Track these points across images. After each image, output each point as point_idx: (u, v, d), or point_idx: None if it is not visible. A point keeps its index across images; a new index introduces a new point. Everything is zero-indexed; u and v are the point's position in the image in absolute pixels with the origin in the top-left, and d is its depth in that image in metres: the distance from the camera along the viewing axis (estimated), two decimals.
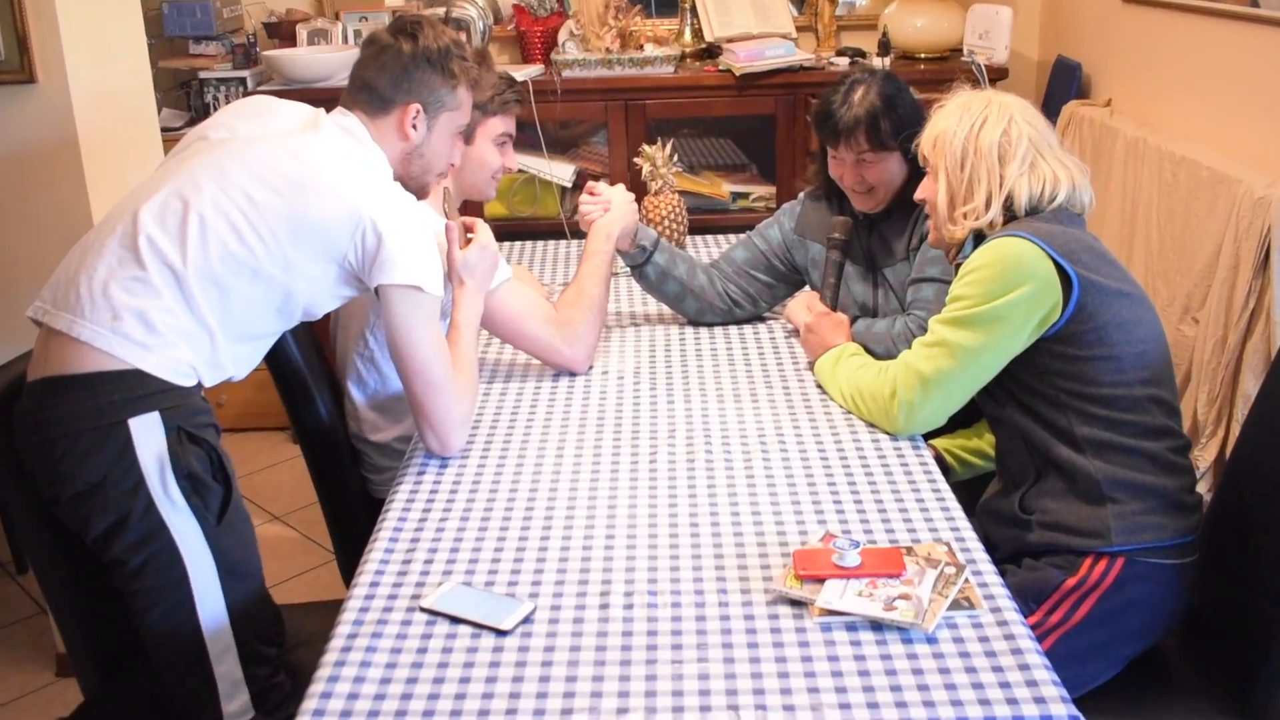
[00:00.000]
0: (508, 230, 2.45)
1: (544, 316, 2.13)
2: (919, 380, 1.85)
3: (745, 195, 3.67)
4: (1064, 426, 1.77)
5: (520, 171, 3.54)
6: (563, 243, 3.04)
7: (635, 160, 2.85)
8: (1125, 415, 1.75)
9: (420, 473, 1.88)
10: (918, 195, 1.93)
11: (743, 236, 2.45)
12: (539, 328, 2.11)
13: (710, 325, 2.42)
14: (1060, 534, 1.76)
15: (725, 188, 3.67)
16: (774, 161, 3.58)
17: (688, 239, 2.83)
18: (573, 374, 2.20)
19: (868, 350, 2.16)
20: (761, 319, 2.45)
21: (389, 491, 1.85)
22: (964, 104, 1.86)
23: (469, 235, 1.99)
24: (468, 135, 2.31)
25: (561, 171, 3.56)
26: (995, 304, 1.76)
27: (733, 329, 2.41)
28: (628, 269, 2.56)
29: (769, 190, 3.65)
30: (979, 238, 1.84)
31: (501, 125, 2.32)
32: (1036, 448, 1.80)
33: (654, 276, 2.38)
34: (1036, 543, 1.78)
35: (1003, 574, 1.64)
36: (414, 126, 1.91)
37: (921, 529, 1.70)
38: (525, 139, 3.56)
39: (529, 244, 2.97)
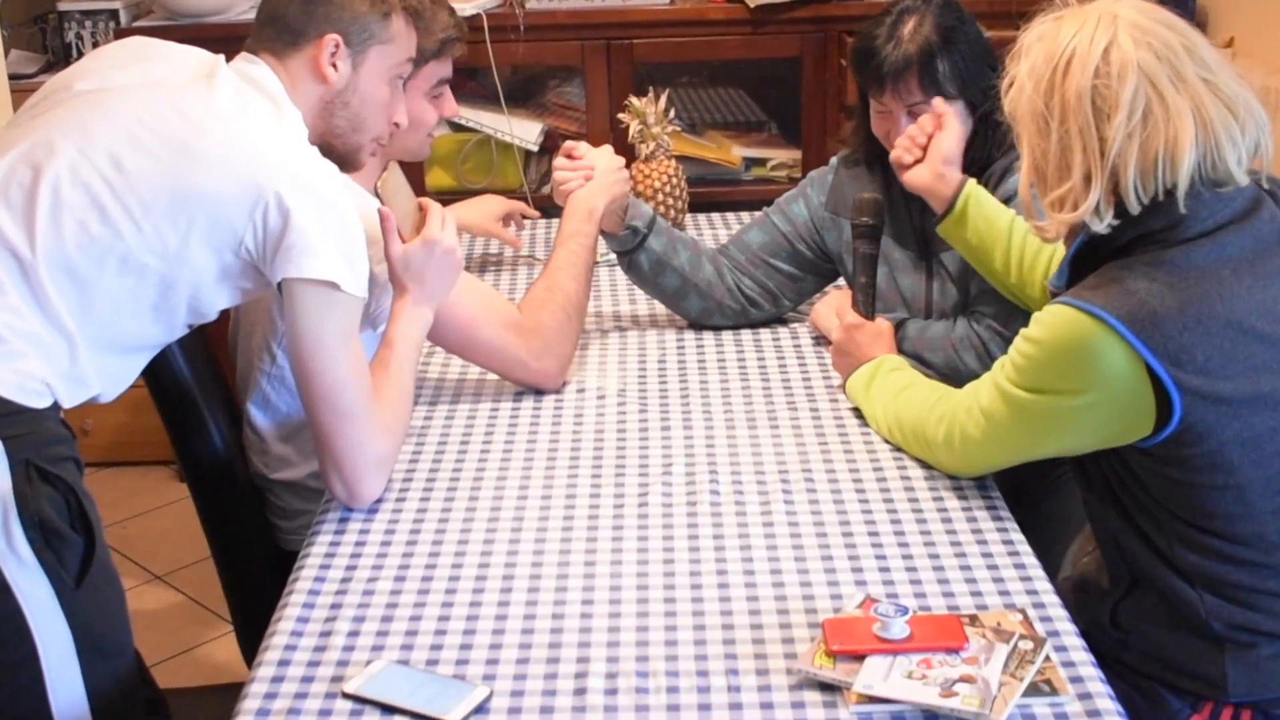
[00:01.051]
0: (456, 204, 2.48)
1: (504, 320, 2.14)
2: (982, 429, 1.80)
3: (762, 162, 3.67)
4: (1164, 549, 1.70)
5: (471, 131, 3.55)
6: (526, 222, 3.05)
7: (620, 117, 2.86)
8: (1249, 554, 1.66)
9: (343, 519, 1.88)
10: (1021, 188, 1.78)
11: (759, 215, 2.47)
12: (497, 334, 2.12)
13: (718, 329, 2.43)
14: (1166, 671, 1.72)
15: (736, 152, 3.68)
16: (799, 118, 3.58)
17: (688, 218, 2.85)
18: (541, 392, 2.21)
19: (921, 362, 2.16)
20: (783, 320, 2.46)
21: (302, 544, 1.86)
22: (1048, 33, 1.68)
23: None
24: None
25: (525, 131, 3.56)
26: (1042, 399, 1.68)
27: (746, 334, 2.42)
28: (612, 256, 2.57)
29: (792, 155, 3.66)
30: (1080, 259, 1.70)
31: (437, 71, 2.34)
32: (1132, 558, 1.74)
33: (647, 267, 2.39)
34: (1135, 665, 1.75)
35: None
36: (333, 65, 1.92)
37: (989, 591, 1.70)
38: (479, 90, 3.56)
39: None
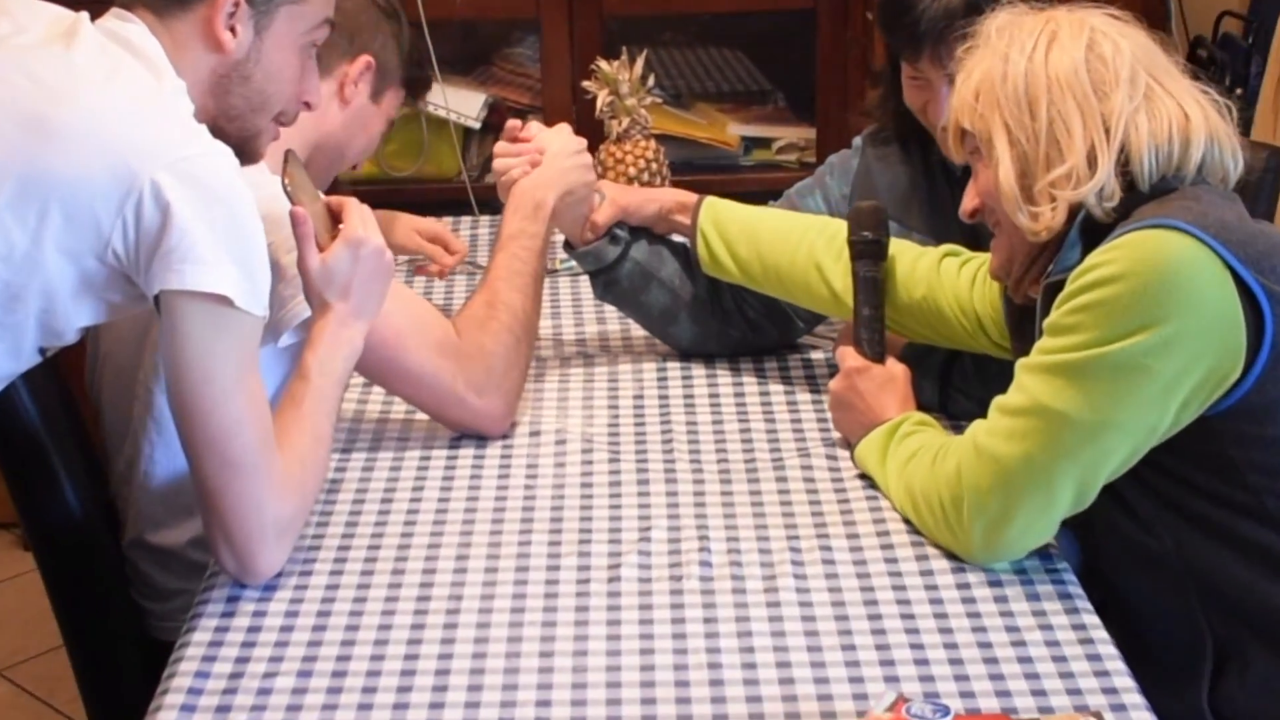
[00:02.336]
0: (377, 199, 2.42)
1: (437, 341, 2.14)
2: (995, 474, 1.85)
3: (765, 142, 3.68)
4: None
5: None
6: (466, 220, 3.04)
7: (585, 86, 2.86)
8: None
9: (232, 599, 1.87)
10: (967, 205, 1.96)
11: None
12: (427, 358, 2.13)
13: (713, 358, 2.43)
14: None
15: (733, 130, 3.69)
16: (812, 86, 3.59)
17: None
18: (484, 437, 2.20)
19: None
20: (795, 347, 2.47)
21: (180, 631, 1.85)
22: (1014, 22, 1.90)
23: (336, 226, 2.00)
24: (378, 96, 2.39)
25: (464, 104, 3.57)
26: (1125, 346, 1.75)
27: (746, 362, 2.42)
28: (571, 267, 2.60)
29: (804, 134, 3.66)
30: (1089, 233, 1.83)
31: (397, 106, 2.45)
32: (1227, 604, 1.79)
33: (628, 283, 2.39)
34: None
35: None
36: (231, 29, 1.91)
37: (1054, 689, 1.69)
38: None
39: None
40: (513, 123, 2.37)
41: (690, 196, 2.40)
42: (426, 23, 3.31)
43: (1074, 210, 1.83)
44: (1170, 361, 1.74)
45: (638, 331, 2.48)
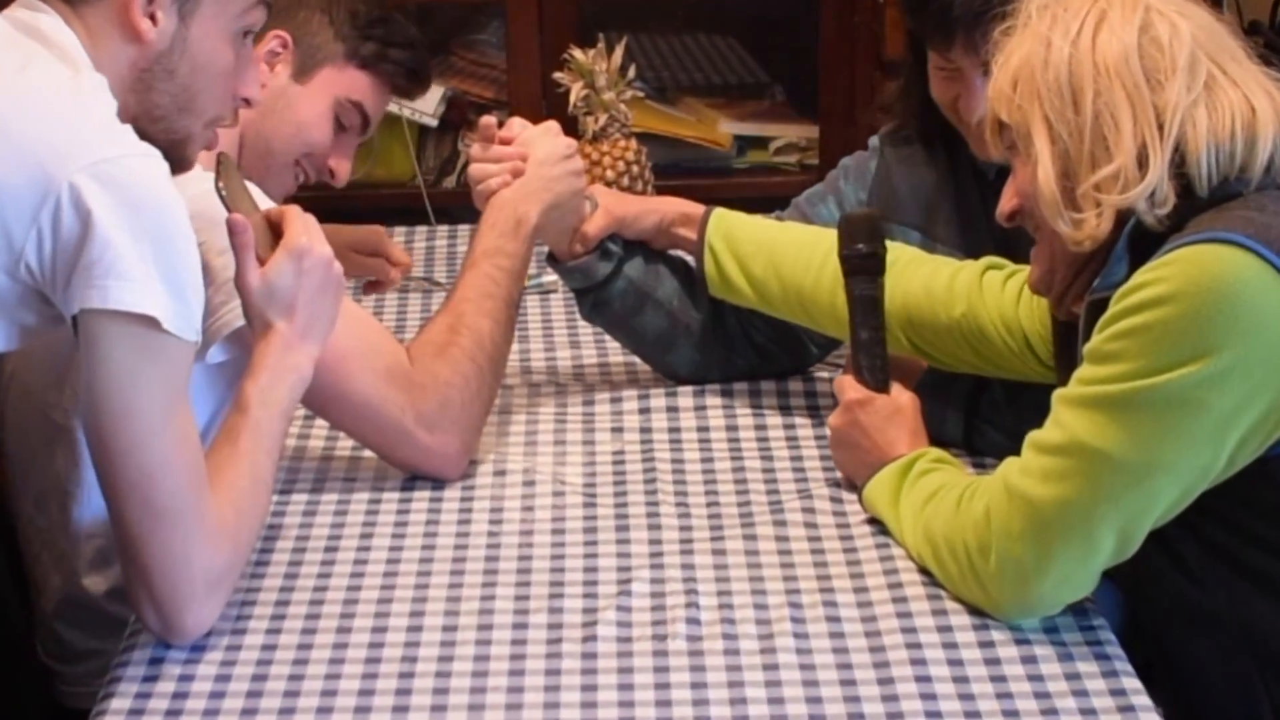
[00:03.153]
0: (319, 209, 2.40)
1: (384, 368, 2.15)
2: (1028, 518, 1.85)
3: (762, 142, 3.70)
4: None
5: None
6: (421, 231, 3.05)
7: (557, 77, 2.87)
8: None
9: (155, 661, 1.86)
10: (1005, 207, 1.95)
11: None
12: (373, 388, 2.13)
13: (702, 385, 2.44)
14: None
15: (725, 128, 3.71)
16: (814, 78, 3.60)
17: None
18: (439, 480, 2.21)
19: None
20: (804, 374, 2.48)
21: (95, 698, 1.84)
22: (1048, 7, 1.89)
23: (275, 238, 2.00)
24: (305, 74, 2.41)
25: (420, 100, 3.55)
26: (1175, 377, 1.74)
27: (741, 389, 2.43)
28: (545, 278, 2.62)
29: (805, 132, 3.69)
30: (1139, 244, 1.82)
31: (362, 91, 2.45)
32: None
33: (620, 304, 2.40)
34: None
35: None
36: (150, 16, 1.91)
37: None
38: None
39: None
40: (488, 120, 2.37)
41: (695, 208, 2.39)
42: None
43: (1122, 217, 1.82)
44: (1226, 395, 1.74)
45: (616, 358, 2.50)
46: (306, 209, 2.04)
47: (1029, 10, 1.90)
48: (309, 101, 2.46)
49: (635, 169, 2.78)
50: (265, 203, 2.09)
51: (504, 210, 2.30)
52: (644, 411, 2.39)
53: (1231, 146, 1.80)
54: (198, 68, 1.94)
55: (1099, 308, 1.83)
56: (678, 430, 2.34)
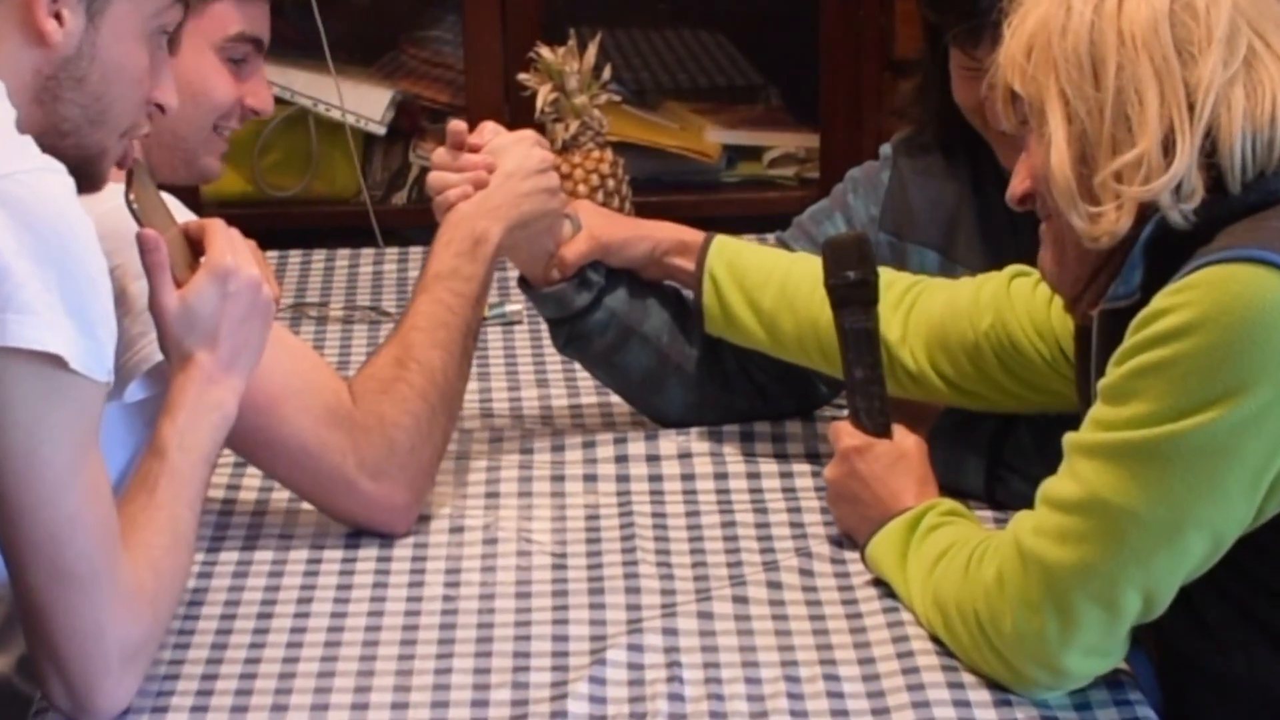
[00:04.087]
0: (254, 226, 2.38)
1: (323, 407, 2.17)
2: (1045, 584, 1.85)
3: (755, 152, 3.73)
4: None
5: (278, 102, 3.51)
6: (367, 254, 3.06)
7: (522, 79, 2.88)
8: None
9: None
10: (1016, 189, 1.95)
11: (773, 243, 2.49)
12: (309, 431, 2.15)
13: (686, 428, 2.46)
14: None
15: (712, 136, 3.73)
16: (814, 80, 3.62)
17: None
18: (386, 535, 2.22)
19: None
20: (808, 416, 2.51)
21: None
22: None
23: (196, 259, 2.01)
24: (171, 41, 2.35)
25: (365, 103, 3.61)
26: (1205, 421, 1.74)
27: (731, 432, 2.45)
28: (508, 308, 2.65)
29: (804, 141, 3.72)
30: (1159, 248, 1.83)
31: (235, 19, 2.40)
32: None
33: (600, 339, 2.41)
34: None
35: None
36: (55, 15, 1.90)
37: None
38: (292, 36, 3.57)
39: (297, 260, 2.98)
40: (457, 125, 2.36)
41: (694, 234, 2.38)
42: (318, 7, 3.31)
43: (1144, 211, 1.82)
44: (1262, 439, 1.75)
45: (589, 398, 2.52)
46: (238, 227, 2.04)
47: None
48: (190, 63, 2.38)
49: (611, 183, 2.80)
50: (184, 215, 2.08)
51: (461, 226, 2.31)
52: (621, 459, 2.40)
53: (1272, 134, 1.81)
54: (109, 74, 1.94)
55: (1113, 320, 1.84)
56: (659, 480, 2.35)
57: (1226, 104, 1.79)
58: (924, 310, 2.26)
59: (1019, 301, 2.19)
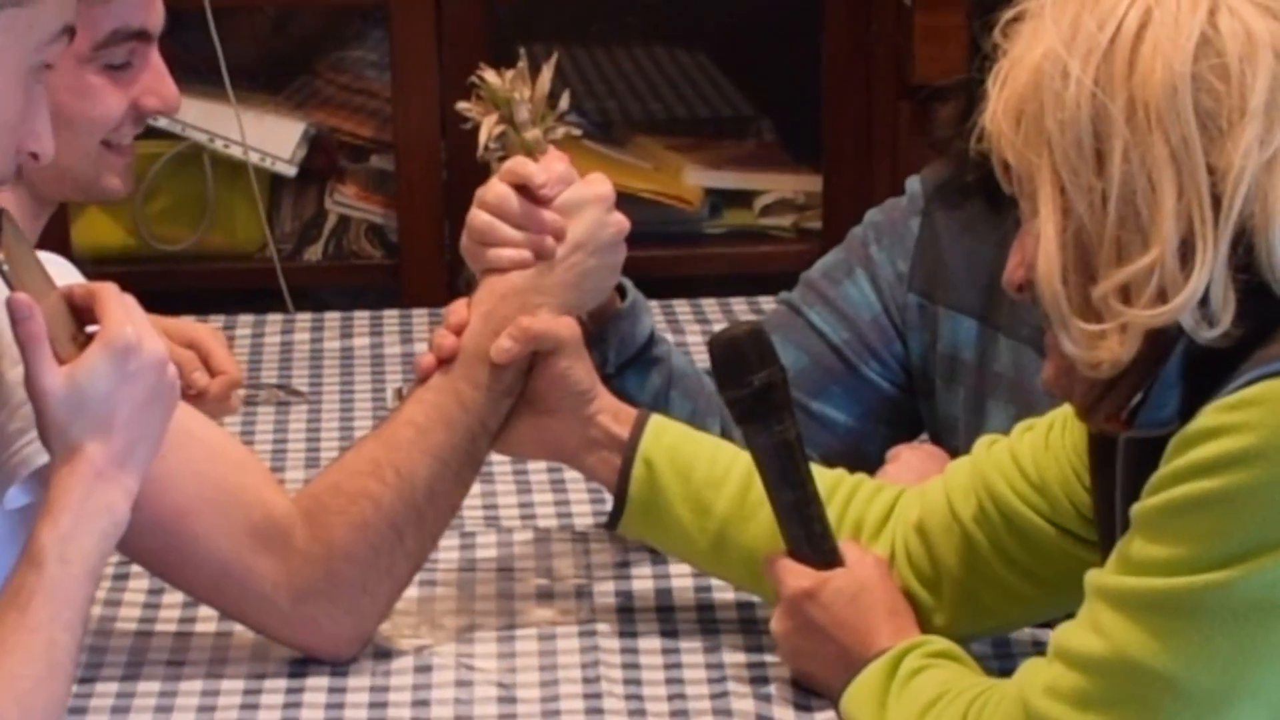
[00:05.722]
0: (136, 285, 2.39)
1: (250, 526, 2.15)
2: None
3: (744, 197, 3.80)
4: None
5: (167, 137, 3.61)
6: (273, 320, 3.05)
7: (461, 107, 2.82)
8: None
9: None
10: (1013, 276, 1.85)
11: (775, 310, 2.56)
12: (230, 553, 2.14)
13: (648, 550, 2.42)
14: None
15: (692, 178, 3.78)
16: (816, 111, 3.70)
17: None
18: (330, 663, 2.20)
19: None
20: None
21: None
22: None
23: (86, 329, 1.98)
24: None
25: (272, 137, 3.67)
26: (1266, 568, 1.69)
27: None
28: None
29: (804, 184, 3.79)
30: (1199, 367, 1.75)
31: (105, 15, 2.34)
32: None
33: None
34: None
35: None
36: None
37: None
38: (179, 59, 3.55)
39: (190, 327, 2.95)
40: (523, 164, 2.29)
41: (626, 411, 2.28)
42: (214, 16, 3.31)
43: (1157, 334, 1.72)
44: None
45: (543, 495, 2.55)
46: (123, 287, 2.00)
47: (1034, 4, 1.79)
48: (56, 84, 2.24)
49: None
50: (69, 276, 2.07)
51: (510, 302, 2.23)
52: (583, 570, 2.39)
53: None
54: None
55: (1144, 449, 1.77)
56: (628, 595, 2.34)
57: (1262, 197, 1.68)
58: (900, 533, 2.19)
59: (1001, 463, 2.13)
